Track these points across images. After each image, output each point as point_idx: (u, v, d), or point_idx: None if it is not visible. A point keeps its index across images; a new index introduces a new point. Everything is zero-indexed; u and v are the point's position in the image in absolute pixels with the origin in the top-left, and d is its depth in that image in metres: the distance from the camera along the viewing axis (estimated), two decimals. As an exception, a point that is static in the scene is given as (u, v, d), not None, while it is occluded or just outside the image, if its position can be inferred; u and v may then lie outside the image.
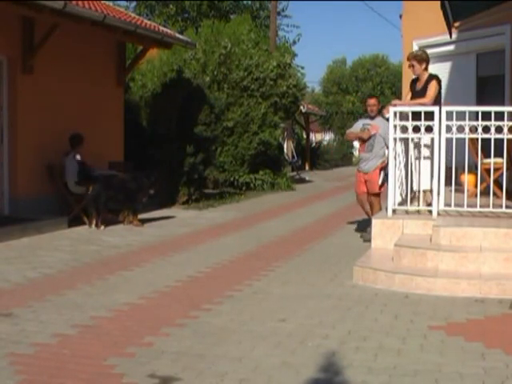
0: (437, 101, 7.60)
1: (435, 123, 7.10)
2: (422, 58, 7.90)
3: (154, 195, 10.69)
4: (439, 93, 7.71)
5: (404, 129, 7.24)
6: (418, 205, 7.57)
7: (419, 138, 7.44)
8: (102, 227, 9.94)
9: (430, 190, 7.54)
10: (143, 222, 10.50)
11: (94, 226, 9.94)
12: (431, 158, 7.48)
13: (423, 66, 7.86)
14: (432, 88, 7.60)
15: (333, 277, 6.61)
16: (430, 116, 7.18)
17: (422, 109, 7.67)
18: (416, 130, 7.19)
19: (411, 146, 7.62)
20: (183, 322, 4.97)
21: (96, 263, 7.36)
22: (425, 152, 7.57)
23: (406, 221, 7.12)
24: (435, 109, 7.25)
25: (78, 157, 10.16)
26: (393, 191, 7.33)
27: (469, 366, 4.00)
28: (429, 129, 7.12)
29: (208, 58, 17.06)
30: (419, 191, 7.68)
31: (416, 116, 7.17)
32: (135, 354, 4.21)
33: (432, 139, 7.39)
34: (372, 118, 9.05)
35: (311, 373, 3.89)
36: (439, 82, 7.73)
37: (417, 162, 7.73)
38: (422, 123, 7.24)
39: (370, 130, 8.89)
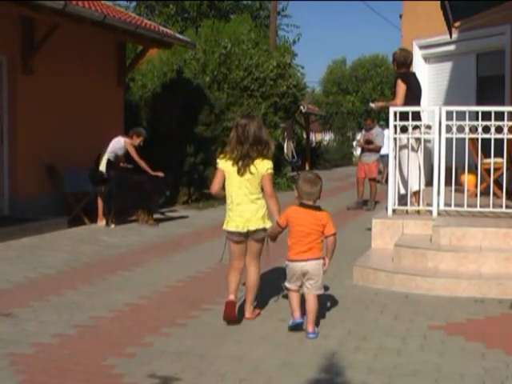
0: (407, 98, 7.49)
1: (435, 123, 7.10)
2: (392, 58, 7.93)
3: (170, 196, 11.04)
4: (411, 88, 7.54)
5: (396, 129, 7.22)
6: (418, 205, 7.56)
7: (407, 139, 7.38)
8: (113, 226, 9.98)
9: (419, 191, 7.52)
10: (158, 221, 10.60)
11: (104, 224, 10.00)
12: (418, 159, 7.47)
13: (394, 65, 7.87)
14: (399, 89, 7.52)
15: (333, 277, 6.60)
16: (417, 116, 7.21)
17: (420, 108, 7.67)
18: (404, 130, 7.18)
19: (393, 146, 7.45)
20: (183, 322, 4.97)
21: (96, 263, 7.36)
22: (411, 153, 7.49)
23: (406, 221, 7.12)
24: (435, 108, 7.27)
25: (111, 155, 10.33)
26: (393, 191, 7.33)
27: (469, 365, 4.00)
28: (416, 128, 7.17)
29: (208, 58, 17.06)
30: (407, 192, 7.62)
31: (404, 116, 7.15)
32: (135, 354, 4.21)
33: (418, 141, 7.38)
34: (366, 130, 13.40)
35: (311, 373, 3.89)
36: (406, 78, 7.57)
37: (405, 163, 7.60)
38: (423, 123, 7.25)
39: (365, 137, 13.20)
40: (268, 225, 4.96)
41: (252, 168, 4.89)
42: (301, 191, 4.77)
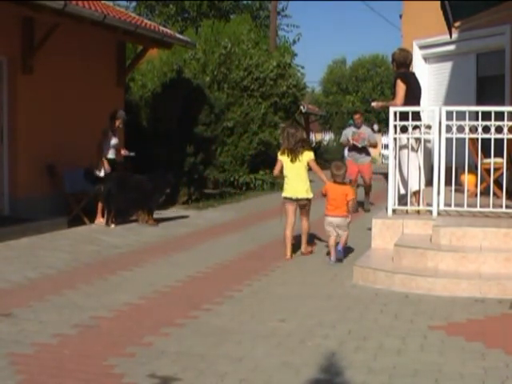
0: (407, 98, 7.44)
1: (435, 123, 7.10)
2: (392, 58, 7.90)
3: (170, 196, 11.15)
4: (411, 88, 7.49)
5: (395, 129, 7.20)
6: (418, 205, 7.56)
7: (407, 139, 7.36)
8: (113, 225, 9.98)
9: (419, 191, 7.50)
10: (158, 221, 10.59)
11: (104, 223, 9.99)
12: (418, 159, 7.45)
13: (394, 65, 7.84)
14: (398, 89, 7.47)
15: (333, 277, 6.61)
16: (417, 116, 7.19)
17: (420, 108, 7.66)
18: (404, 130, 7.17)
19: (393, 147, 7.41)
20: (183, 322, 4.97)
21: (96, 263, 7.37)
22: (411, 153, 7.47)
23: (406, 221, 7.12)
24: (435, 108, 7.27)
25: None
26: (392, 191, 7.33)
27: (469, 365, 4.00)
28: (416, 128, 7.16)
29: (208, 58, 17.05)
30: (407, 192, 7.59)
31: (404, 115, 7.13)
32: (135, 354, 4.21)
33: (418, 141, 7.37)
34: (358, 127, 12.31)
35: (311, 373, 3.89)
36: (406, 78, 7.53)
37: (405, 163, 7.57)
38: (423, 123, 7.24)
39: (359, 136, 12.19)
40: (310, 195, 7.80)
41: (299, 157, 7.66)
42: (332, 173, 7.52)
